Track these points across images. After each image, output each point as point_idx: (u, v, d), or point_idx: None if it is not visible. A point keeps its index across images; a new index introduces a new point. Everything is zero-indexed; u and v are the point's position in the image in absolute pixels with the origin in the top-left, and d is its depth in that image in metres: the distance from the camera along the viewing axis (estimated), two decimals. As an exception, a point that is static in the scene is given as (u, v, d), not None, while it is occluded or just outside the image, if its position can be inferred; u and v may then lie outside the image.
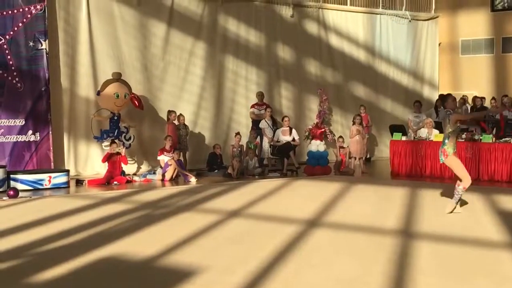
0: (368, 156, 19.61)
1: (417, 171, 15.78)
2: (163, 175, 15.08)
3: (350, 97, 20.88)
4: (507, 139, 14.98)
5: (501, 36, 23.64)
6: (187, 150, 16.66)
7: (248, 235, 8.42)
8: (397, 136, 16.50)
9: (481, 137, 15.10)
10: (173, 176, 15.09)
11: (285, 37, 19.61)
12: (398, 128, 18.74)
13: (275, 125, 17.52)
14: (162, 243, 7.72)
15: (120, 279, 6.39)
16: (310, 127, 17.26)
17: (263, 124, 17.28)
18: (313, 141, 16.73)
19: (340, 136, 17.43)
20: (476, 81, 23.15)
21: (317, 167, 16.36)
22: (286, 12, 19.68)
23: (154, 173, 15.50)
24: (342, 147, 16.94)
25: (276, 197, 12.28)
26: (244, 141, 16.91)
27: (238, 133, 16.71)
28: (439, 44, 23.45)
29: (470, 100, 20.55)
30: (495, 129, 17.16)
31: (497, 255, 7.12)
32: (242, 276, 6.16)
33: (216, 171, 16.18)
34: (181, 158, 15.88)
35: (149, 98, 17.01)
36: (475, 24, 23.92)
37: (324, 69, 20.41)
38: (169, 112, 16.33)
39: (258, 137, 17.21)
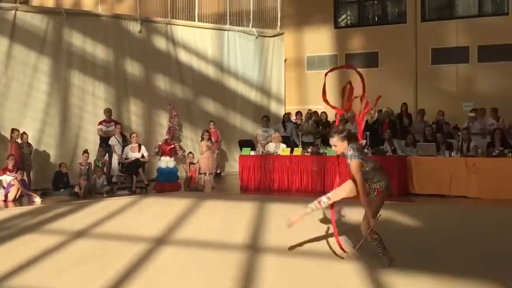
0: (218, 172, 19.75)
1: (265, 185, 16.06)
2: (6, 196, 14.51)
3: (200, 113, 20.95)
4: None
5: (344, 52, 24.48)
6: (31, 169, 16.12)
7: (94, 255, 8.24)
8: (246, 151, 16.73)
9: (326, 151, 15.56)
10: (17, 197, 14.56)
11: (133, 53, 19.44)
12: (247, 143, 19.00)
13: (125, 142, 17.31)
14: (4, 266, 7.42)
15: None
16: (160, 143, 17.21)
17: (113, 141, 17.04)
18: (163, 158, 16.68)
19: (190, 152, 17.47)
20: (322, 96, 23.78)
21: (167, 183, 16.30)
22: (134, 27, 19.55)
23: (-4, 193, 14.87)
24: (192, 163, 16.96)
25: (125, 215, 12.10)
26: (92, 158, 16.58)
27: (86, 151, 16.38)
28: (285, 60, 24.01)
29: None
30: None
31: (342, 268, 7.32)
32: (85, 299, 6.02)
33: (62, 190, 15.75)
34: (25, 177, 15.35)
35: (-10, 115, 16.38)
36: (320, 41, 24.64)
37: (173, 85, 20.39)
38: (12, 130, 15.76)
39: (107, 154, 16.95)
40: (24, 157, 15.67)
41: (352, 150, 7.34)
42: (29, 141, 16.07)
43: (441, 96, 22.17)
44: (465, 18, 22.66)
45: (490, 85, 21.70)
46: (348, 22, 25.18)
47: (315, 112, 20.66)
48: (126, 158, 16.69)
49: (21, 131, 15.84)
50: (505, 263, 7.52)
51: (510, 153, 14.22)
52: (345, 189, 7.77)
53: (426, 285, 6.37)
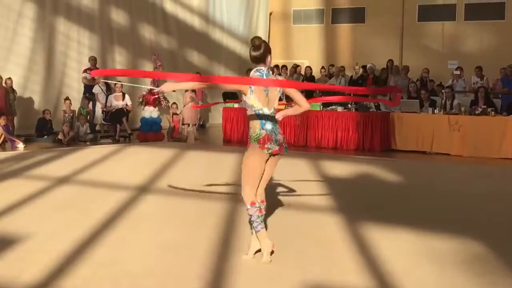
0: (202, 123, 19.78)
1: (248, 137, 16.09)
2: (-11, 141, 14.47)
3: (185, 64, 20.91)
4: (333, 107, 15.58)
5: (331, 7, 24.40)
6: (15, 114, 16.04)
7: (77, 201, 8.27)
8: (230, 103, 16.73)
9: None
10: (0, 142, 14.50)
11: (119, 1, 19.28)
12: (231, 95, 18.97)
13: (109, 91, 17.25)
14: (-15, 211, 7.44)
15: None
16: (144, 93, 17.17)
17: (96, 89, 16.99)
18: (147, 107, 16.66)
19: (174, 103, 17.46)
20: (307, 51, 23.82)
21: (150, 133, 16.34)
22: (121, -25, 19.34)
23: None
24: (176, 114, 16.98)
25: (108, 163, 12.14)
26: (76, 106, 16.54)
27: (67, 98, 16.32)
28: (271, 14, 23.90)
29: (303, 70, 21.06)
30: (322, 96, 17.66)
31: (317, 219, 7.41)
32: (67, 243, 6.05)
33: (45, 137, 15.73)
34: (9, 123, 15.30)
35: (-27, 60, 16.21)
36: (307, -5, 24.57)
37: (158, 35, 20.31)
38: None
39: (91, 102, 16.92)
40: (8, 103, 15.55)
41: None
42: (13, 87, 15.92)
43: (426, 53, 22.24)
44: (454, -25, 22.63)
45: (475, 44, 21.77)
46: (336, -24, 25.04)
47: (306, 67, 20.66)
48: (110, 107, 16.66)
49: (5, 77, 15.69)
50: (484, 219, 7.65)
51: (492, 112, 14.32)
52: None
53: (406, 241, 6.46)
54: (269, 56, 5.69)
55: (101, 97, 16.92)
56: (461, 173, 11.88)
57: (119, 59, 19.37)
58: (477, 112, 14.46)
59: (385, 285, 5.06)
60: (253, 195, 5.61)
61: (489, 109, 14.42)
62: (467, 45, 22.00)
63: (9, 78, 15.78)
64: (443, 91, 16.25)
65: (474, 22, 21.98)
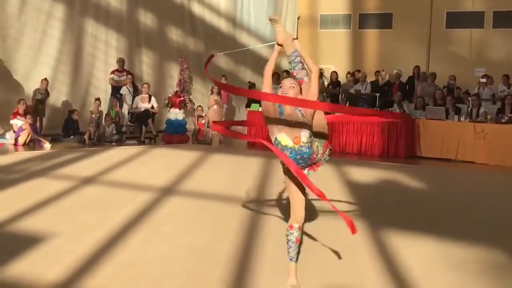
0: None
1: (273, 141, 16.09)
2: (16, 140, 14.58)
3: (211, 67, 20.91)
4: (359, 112, 15.54)
5: (358, 12, 24.34)
6: (44, 115, 16.18)
7: (101, 202, 8.35)
8: (255, 107, 16.74)
9: (335, 110, 15.59)
10: (27, 141, 14.62)
11: (147, 3, 19.36)
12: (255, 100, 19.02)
13: (136, 92, 17.37)
14: (12, 209, 7.50)
15: (-36, 246, 6.20)
16: (170, 95, 17.25)
17: (124, 91, 17.12)
18: (172, 109, 16.74)
19: (199, 105, 17.53)
20: (333, 56, 23.79)
21: (175, 135, 16.40)
22: (149, -23, 19.45)
23: (5, 137, 14.88)
24: (201, 116, 17.05)
25: (133, 164, 12.21)
26: (103, 107, 16.66)
27: (98, 99, 16.43)
28: (298, 18, 23.90)
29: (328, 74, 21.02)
30: (348, 102, 17.69)
31: (339, 224, 7.38)
32: (90, 244, 6.11)
33: (72, 137, 15.84)
34: (38, 123, 15.46)
35: (3, 59, 16.35)
36: (334, 0, 24.53)
37: (185, 37, 20.39)
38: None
39: (118, 103, 17.05)
40: (38, 103, 15.67)
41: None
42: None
43: (453, 61, 22.09)
44: (482, -18, 22.48)
45: (503, 51, 21.61)
46: (364, -19, 24.99)
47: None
48: (136, 108, 16.77)
49: (35, 77, 15.87)
50: (506, 229, 7.61)
51: (519, 120, 14.25)
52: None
53: (428, 248, 6.45)
54: None
55: (128, 98, 17.04)
56: (486, 182, 11.82)
57: (146, 61, 19.46)
58: (503, 120, 14.38)
59: (405, 293, 5.07)
60: None
61: (515, 118, 14.35)
62: (495, 53, 21.83)
63: (45, 79, 15.93)
64: (469, 98, 16.17)
65: (502, 30, 21.82)
